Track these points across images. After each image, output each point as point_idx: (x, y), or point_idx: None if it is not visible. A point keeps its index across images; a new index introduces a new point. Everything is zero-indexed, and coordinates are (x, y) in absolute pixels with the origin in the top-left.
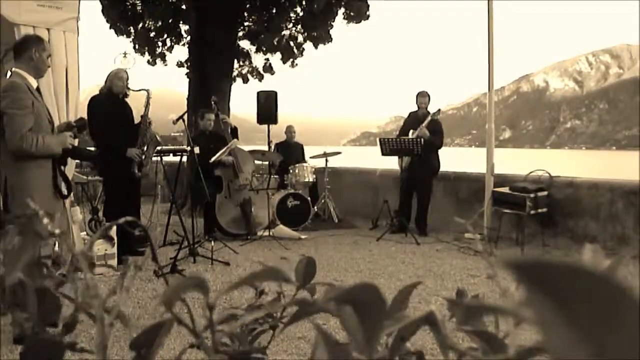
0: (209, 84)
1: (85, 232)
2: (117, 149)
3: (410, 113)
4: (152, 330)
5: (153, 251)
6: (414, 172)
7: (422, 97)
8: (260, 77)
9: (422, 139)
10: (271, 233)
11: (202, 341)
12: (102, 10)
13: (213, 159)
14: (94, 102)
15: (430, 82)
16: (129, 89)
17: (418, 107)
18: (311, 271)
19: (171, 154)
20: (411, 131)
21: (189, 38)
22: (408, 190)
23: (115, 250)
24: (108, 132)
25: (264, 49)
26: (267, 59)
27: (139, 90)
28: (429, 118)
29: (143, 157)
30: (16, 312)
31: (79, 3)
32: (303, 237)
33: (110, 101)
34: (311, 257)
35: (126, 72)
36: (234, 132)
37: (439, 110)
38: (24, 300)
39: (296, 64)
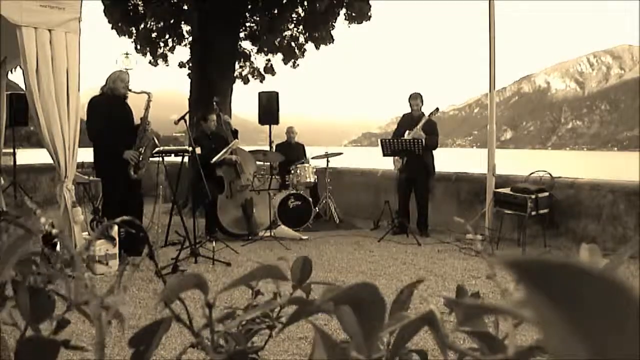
0: (210, 84)
1: (87, 233)
2: (114, 150)
3: (404, 114)
4: (151, 327)
5: (150, 250)
6: (410, 173)
7: (415, 99)
8: (262, 78)
9: (423, 140)
10: (272, 233)
11: (201, 340)
12: (104, 11)
13: (215, 159)
14: (93, 103)
15: (431, 83)
16: (129, 90)
17: (412, 109)
18: (307, 270)
19: (173, 155)
20: (407, 132)
21: (190, 39)
22: (406, 192)
23: (116, 250)
24: (106, 133)
25: (266, 49)
26: (269, 60)
27: (140, 92)
28: (425, 118)
29: (140, 159)
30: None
31: (81, 3)
32: (304, 237)
33: (111, 102)
34: (307, 257)
35: (128, 74)
36: (235, 135)
37: (437, 109)
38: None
39: (297, 65)
